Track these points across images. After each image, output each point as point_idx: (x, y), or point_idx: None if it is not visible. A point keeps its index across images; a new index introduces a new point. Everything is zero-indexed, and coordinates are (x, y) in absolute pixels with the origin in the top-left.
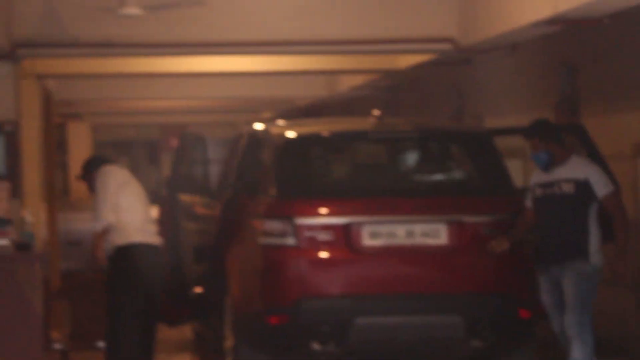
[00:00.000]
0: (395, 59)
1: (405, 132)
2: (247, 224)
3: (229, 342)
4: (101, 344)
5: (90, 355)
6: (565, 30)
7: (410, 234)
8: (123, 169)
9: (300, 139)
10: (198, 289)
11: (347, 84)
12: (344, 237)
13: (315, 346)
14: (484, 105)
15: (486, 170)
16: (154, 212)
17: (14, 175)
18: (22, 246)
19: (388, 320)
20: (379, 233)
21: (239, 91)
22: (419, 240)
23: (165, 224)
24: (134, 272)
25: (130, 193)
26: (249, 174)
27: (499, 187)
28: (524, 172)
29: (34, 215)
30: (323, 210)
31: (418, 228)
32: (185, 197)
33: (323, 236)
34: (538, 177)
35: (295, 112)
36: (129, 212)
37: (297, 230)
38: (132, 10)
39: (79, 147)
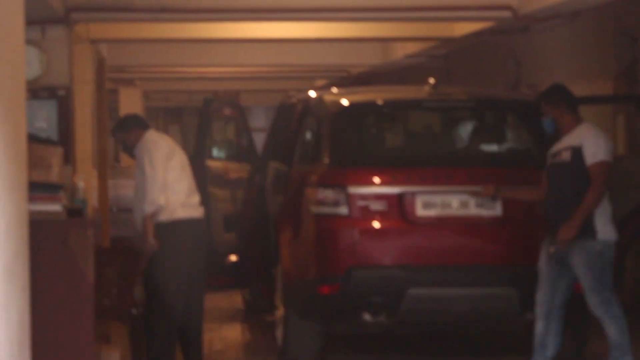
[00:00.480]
0: (451, 26)
1: (461, 101)
2: (300, 193)
3: (279, 312)
4: (134, 310)
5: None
6: None
7: (464, 204)
8: (166, 137)
9: (354, 107)
10: (233, 258)
11: (401, 52)
12: (397, 207)
13: (367, 317)
14: (541, 75)
15: (542, 140)
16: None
17: (66, 141)
18: (74, 212)
19: (441, 291)
20: (432, 203)
21: (291, 58)
22: (473, 211)
23: None
24: (177, 251)
25: (176, 165)
26: (302, 143)
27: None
28: None
29: (85, 181)
30: (376, 179)
31: (472, 199)
32: (214, 164)
33: (376, 206)
34: (553, 146)
35: (349, 80)
36: (174, 186)
37: (350, 199)
38: None
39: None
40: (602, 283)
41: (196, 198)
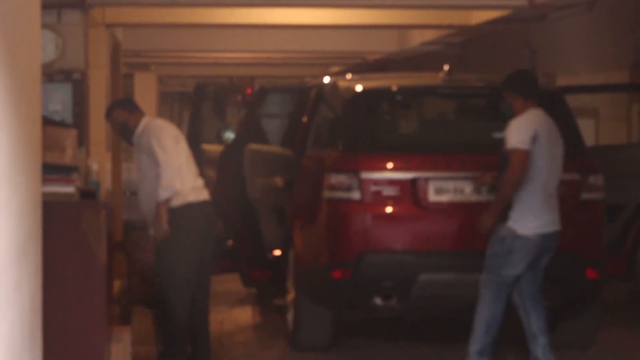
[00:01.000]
0: (467, 14)
1: (476, 88)
2: (312, 178)
3: (290, 296)
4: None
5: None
6: None
7: (476, 190)
8: (169, 123)
9: (368, 93)
10: (277, 252)
11: (418, 39)
12: (410, 192)
13: (378, 301)
14: (557, 64)
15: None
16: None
17: (80, 123)
18: (88, 194)
19: (452, 277)
20: (445, 189)
21: (307, 45)
22: (485, 197)
23: None
24: (190, 234)
25: (183, 149)
26: (316, 128)
27: (569, 145)
28: (595, 132)
29: (99, 164)
30: (389, 164)
31: (486, 185)
32: (213, 148)
33: (388, 191)
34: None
35: (364, 67)
36: (184, 170)
37: (362, 184)
38: None
39: (145, 98)
40: (491, 266)
41: (201, 181)
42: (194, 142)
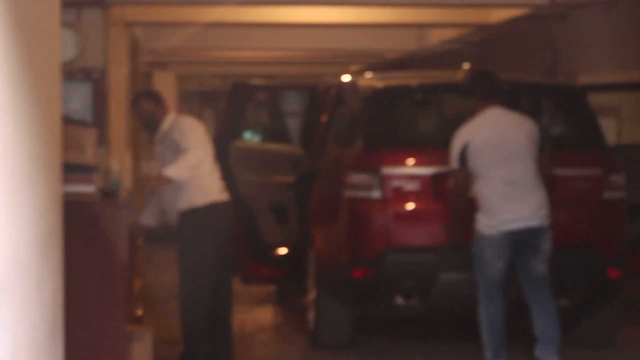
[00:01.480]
0: (487, 12)
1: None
2: (333, 177)
3: (311, 295)
4: None
5: (164, 307)
6: None
7: None
8: (197, 121)
9: (388, 90)
10: (282, 250)
11: (437, 38)
12: (431, 188)
13: (399, 300)
14: (578, 62)
15: (578, 125)
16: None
17: (100, 122)
18: (108, 194)
19: (473, 275)
20: None
21: (327, 43)
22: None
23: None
24: (213, 233)
25: (210, 147)
26: (336, 127)
27: (590, 142)
28: (617, 130)
29: (119, 163)
30: (410, 160)
31: None
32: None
33: (409, 188)
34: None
35: (383, 66)
36: (211, 170)
37: (383, 181)
38: None
39: (165, 96)
40: (476, 266)
41: (222, 182)
42: (223, 143)
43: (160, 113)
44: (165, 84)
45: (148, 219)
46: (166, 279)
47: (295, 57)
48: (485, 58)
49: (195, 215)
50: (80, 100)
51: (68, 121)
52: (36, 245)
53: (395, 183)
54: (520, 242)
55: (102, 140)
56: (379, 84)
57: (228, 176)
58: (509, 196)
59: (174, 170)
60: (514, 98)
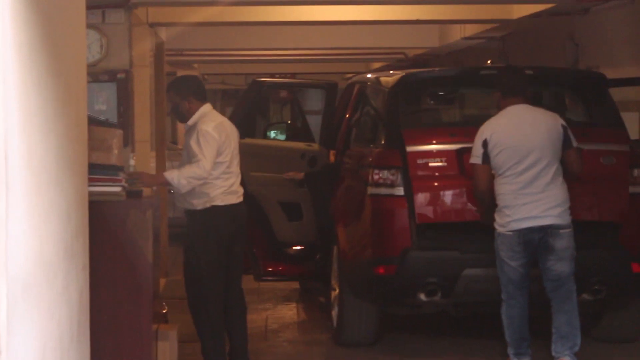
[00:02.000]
0: (509, 8)
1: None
2: (356, 174)
3: (334, 293)
4: None
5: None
6: None
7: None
8: (222, 124)
9: (409, 83)
10: (295, 248)
11: (459, 34)
12: (456, 164)
13: (422, 297)
14: (600, 57)
15: (598, 110)
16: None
17: (125, 123)
18: (134, 194)
19: (496, 271)
20: None
21: (348, 41)
22: None
23: None
24: (211, 234)
25: (226, 157)
26: (359, 124)
27: (611, 124)
28: (639, 125)
29: (144, 163)
30: (432, 139)
31: None
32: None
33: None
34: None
35: (406, 63)
36: (219, 179)
37: (409, 158)
38: None
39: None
40: (497, 263)
41: (238, 184)
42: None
43: (186, 105)
44: None
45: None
46: None
47: (318, 55)
48: (507, 54)
49: (196, 217)
50: (105, 101)
51: (93, 122)
52: (63, 245)
53: (420, 160)
54: (532, 241)
55: (127, 140)
56: (401, 78)
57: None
58: (523, 196)
59: (175, 178)
60: (536, 82)
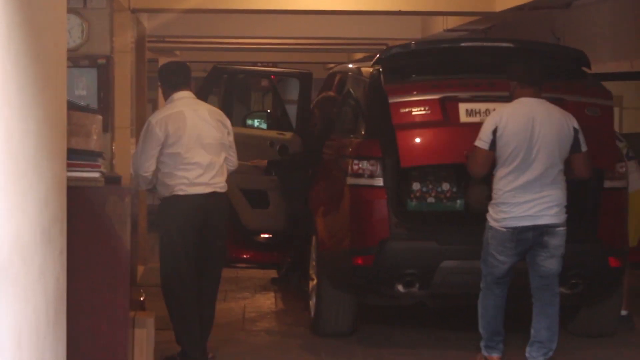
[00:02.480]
0: (492, 1)
1: (498, 40)
2: (335, 164)
3: (312, 282)
4: None
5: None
6: None
7: None
8: (177, 116)
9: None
10: (264, 235)
11: (441, 26)
12: (440, 111)
13: (400, 288)
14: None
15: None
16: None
17: (105, 109)
18: (112, 180)
19: (474, 264)
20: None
21: (330, 31)
22: None
23: None
24: (172, 222)
25: (180, 148)
26: (339, 114)
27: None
28: (619, 120)
29: (123, 150)
30: (414, 91)
31: None
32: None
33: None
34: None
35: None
36: (177, 169)
37: (391, 110)
38: None
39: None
40: (482, 254)
41: (211, 176)
42: None
43: (162, 93)
44: None
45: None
46: None
47: (299, 45)
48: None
49: (160, 205)
50: (85, 87)
51: (73, 107)
52: (40, 230)
53: (402, 109)
54: (527, 239)
55: (107, 126)
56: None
57: None
58: (522, 195)
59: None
60: (516, 55)
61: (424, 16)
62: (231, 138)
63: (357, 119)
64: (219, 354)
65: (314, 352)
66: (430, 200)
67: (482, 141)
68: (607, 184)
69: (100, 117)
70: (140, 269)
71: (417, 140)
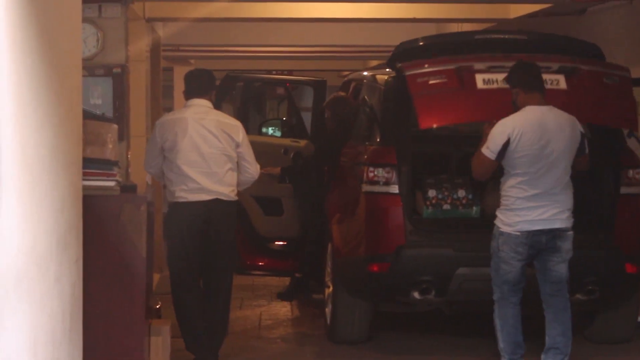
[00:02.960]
0: (507, 8)
1: (512, 33)
2: (352, 171)
3: (328, 290)
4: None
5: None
6: None
7: None
8: (179, 122)
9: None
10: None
11: None
12: (455, 79)
13: (416, 295)
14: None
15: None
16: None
17: (121, 118)
18: (128, 188)
19: (490, 271)
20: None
21: (346, 38)
22: None
23: None
24: (173, 230)
25: (180, 154)
26: (355, 121)
27: (607, 139)
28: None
29: (139, 158)
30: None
31: None
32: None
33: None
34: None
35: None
36: (177, 175)
37: (408, 81)
38: None
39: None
40: (492, 263)
41: (209, 183)
42: None
43: (185, 96)
44: None
45: None
46: None
47: (314, 53)
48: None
49: (168, 212)
50: (100, 96)
51: (89, 116)
52: (56, 238)
53: (419, 79)
54: (540, 242)
55: (123, 135)
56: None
57: None
58: (535, 200)
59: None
60: (531, 44)
61: (439, 23)
62: (243, 149)
63: (372, 126)
64: None
65: None
66: (446, 207)
67: (490, 151)
68: (624, 190)
69: (115, 125)
70: (156, 277)
71: (435, 102)
